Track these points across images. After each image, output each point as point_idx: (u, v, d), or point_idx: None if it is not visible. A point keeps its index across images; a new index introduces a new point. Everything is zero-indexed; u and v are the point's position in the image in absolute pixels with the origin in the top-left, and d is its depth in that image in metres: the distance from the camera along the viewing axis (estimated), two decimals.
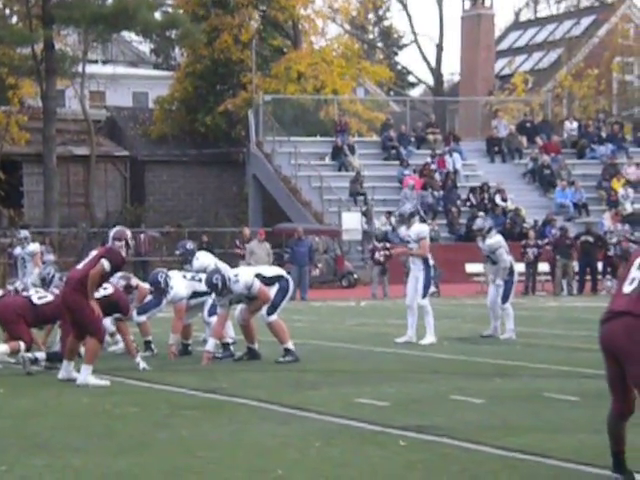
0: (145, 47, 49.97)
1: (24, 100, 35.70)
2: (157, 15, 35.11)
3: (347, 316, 19.12)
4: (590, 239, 26.27)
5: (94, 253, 10.53)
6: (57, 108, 33.56)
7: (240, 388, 9.60)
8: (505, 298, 14.23)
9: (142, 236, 29.22)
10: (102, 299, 10.62)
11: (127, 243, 10.64)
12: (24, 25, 33.85)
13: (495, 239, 14.39)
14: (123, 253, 10.48)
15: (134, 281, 12.15)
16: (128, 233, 10.83)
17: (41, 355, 11.05)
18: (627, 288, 5.87)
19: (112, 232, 10.82)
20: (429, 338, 13.45)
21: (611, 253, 26.22)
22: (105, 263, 10.07)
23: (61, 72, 33.65)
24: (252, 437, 7.32)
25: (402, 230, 14.31)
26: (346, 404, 8.62)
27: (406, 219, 14.09)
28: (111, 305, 10.91)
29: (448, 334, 14.29)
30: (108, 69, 41.97)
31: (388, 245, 24.53)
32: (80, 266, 10.52)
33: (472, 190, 32.34)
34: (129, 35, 43.74)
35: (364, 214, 30.71)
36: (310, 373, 10.72)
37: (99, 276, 10.07)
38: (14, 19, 36.22)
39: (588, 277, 26.33)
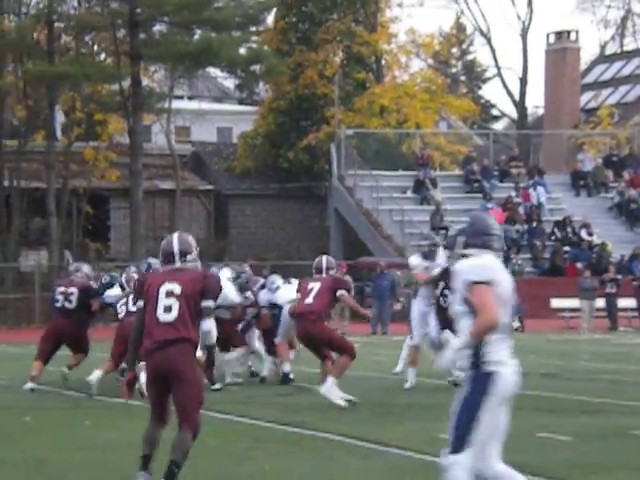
0: (230, 83, 50.60)
1: (112, 136, 36.38)
2: (242, 51, 35.57)
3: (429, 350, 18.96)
4: None
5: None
6: (144, 143, 34.13)
7: (322, 422, 9.58)
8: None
9: None
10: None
11: None
12: (112, 62, 34.57)
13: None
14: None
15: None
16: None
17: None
18: (166, 317, 6.46)
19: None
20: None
21: None
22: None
23: (148, 108, 34.21)
24: (334, 472, 7.29)
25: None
26: (429, 439, 8.54)
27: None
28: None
29: (533, 370, 14.10)
30: (193, 104, 42.56)
31: None
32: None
33: (557, 224, 31.96)
34: (214, 71, 44.34)
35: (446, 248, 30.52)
36: (392, 407, 10.67)
37: None
38: (102, 56, 37.00)
39: None
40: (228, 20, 33.16)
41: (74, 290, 12.64)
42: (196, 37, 34.47)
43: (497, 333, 5.05)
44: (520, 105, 48.29)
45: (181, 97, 42.13)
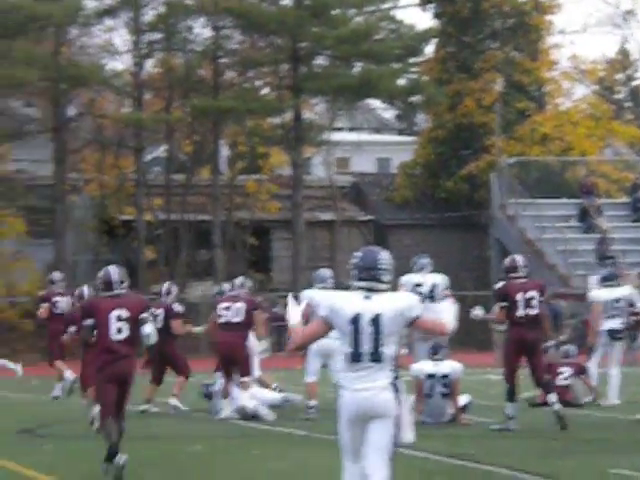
0: (389, 114, 50.85)
1: (274, 168, 37.06)
2: (401, 82, 35.72)
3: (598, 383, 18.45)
4: None
5: None
6: (304, 175, 34.62)
7: (488, 455, 9.44)
8: None
9: None
10: None
11: None
12: (274, 96, 35.25)
13: None
14: None
15: None
16: None
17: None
18: (118, 336, 8.15)
19: None
20: None
21: None
22: None
23: (309, 140, 34.73)
24: None
25: None
26: (599, 475, 8.31)
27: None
28: None
29: None
30: (353, 136, 42.94)
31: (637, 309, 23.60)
32: None
33: None
34: (373, 102, 44.63)
35: None
36: (560, 441, 10.43)
37: None
38: (265, 90, 37.79)
39: None
40: (387, 52, 33.42)
41: (241, 305, 13.00)
42: (356, 69, 34.83)
43: (346, 362, 5.58)
44: None
45: (341, 129, 42.56)
